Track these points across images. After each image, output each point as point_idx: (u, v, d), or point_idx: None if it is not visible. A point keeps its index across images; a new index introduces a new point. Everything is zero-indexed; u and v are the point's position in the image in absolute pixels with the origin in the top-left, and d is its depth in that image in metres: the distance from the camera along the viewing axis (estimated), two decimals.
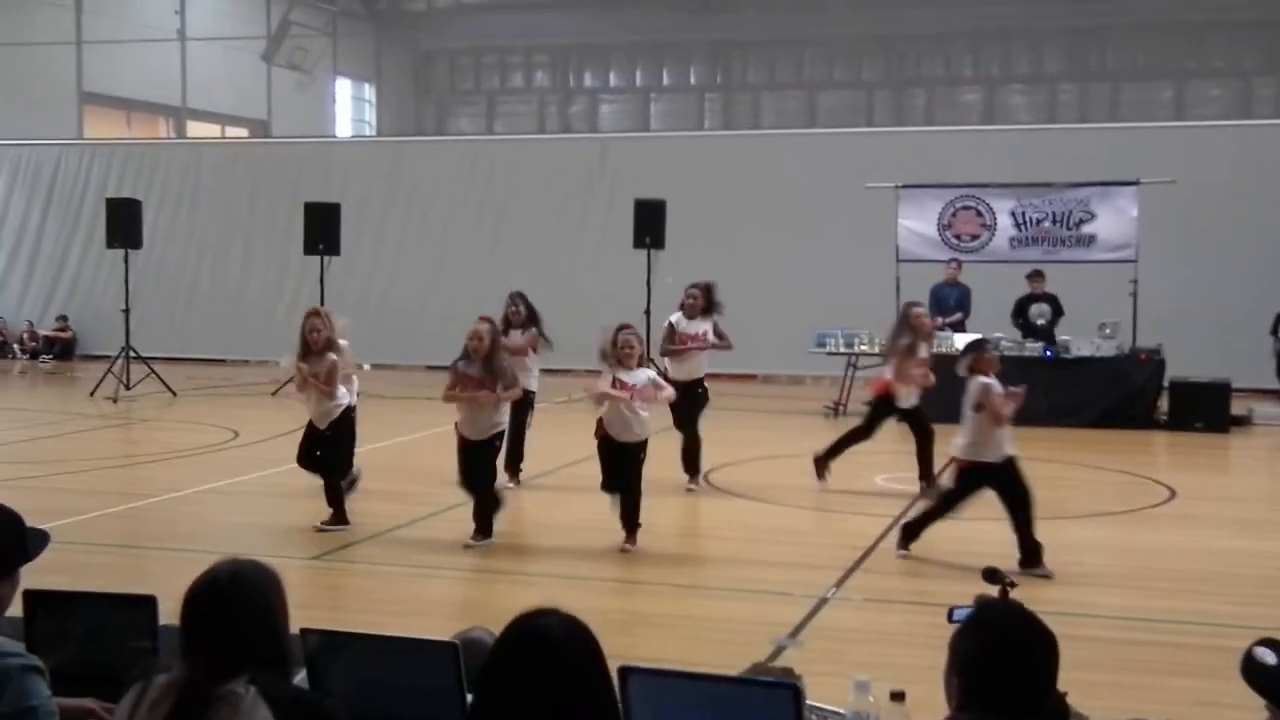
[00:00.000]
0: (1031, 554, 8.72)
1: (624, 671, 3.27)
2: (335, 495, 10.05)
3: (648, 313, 19.07)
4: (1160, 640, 7.22)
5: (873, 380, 12.70)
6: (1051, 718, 2.93)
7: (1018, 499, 8.74)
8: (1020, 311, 17.56)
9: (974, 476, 8.86)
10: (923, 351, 11.87)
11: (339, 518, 10.01)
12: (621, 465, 9.37)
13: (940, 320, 17.82)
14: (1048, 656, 2.84)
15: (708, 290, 12.50)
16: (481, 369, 9.55)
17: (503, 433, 9.86)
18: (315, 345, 10.01)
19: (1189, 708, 5.97)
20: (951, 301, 17.99)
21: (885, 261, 18.64)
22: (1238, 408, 16.75)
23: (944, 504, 9.20)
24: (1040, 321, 17.28)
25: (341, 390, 10.11)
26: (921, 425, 11.94)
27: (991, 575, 3.93)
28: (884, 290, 18.40)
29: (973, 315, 17.93)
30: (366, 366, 21.07)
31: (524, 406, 11.59)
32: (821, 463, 12.12)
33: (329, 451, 10.09)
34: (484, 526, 9.55)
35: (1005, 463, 8.80)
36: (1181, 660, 6.87)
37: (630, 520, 9.40)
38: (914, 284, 18.23)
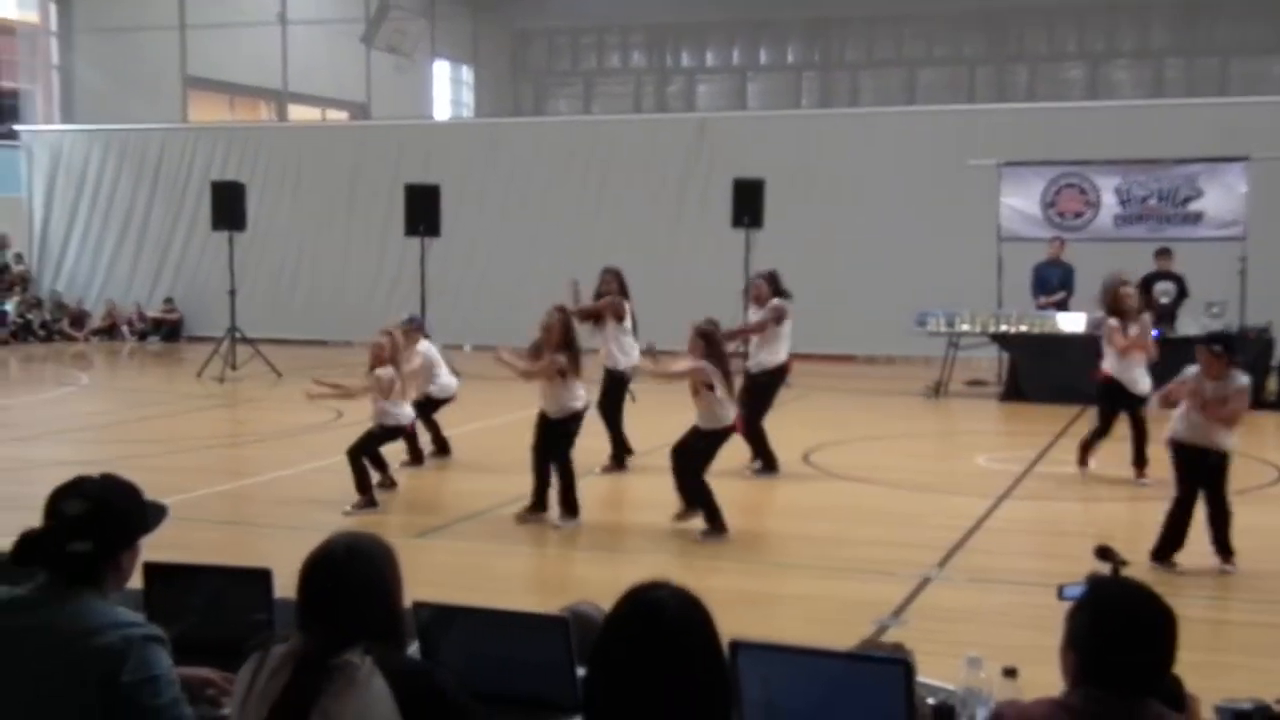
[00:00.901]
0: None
1: (735, 645, 3.28)
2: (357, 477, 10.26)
3: (746, 291, 19.05)
4: (1268, 621, 7.09)
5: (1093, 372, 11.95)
6: (1167, 697, 2.89)
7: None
8: (1145, 289, 17.11)
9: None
10: (1133, 330, 11.36)
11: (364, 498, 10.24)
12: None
13: (1043, 299, 17.60)
14: (1167, 636, 2.80)
15: (771, 278, 12.22)
16: (542, 350, 9.74)
17: (578, 414, 9.87)
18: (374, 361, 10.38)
19: None
20: (1054, 281, 17.70)
21: (987, 240, 18.43)
22: None
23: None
24: (1164, 300, 16.81)
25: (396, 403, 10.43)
26: (1135, 414, 11.29)
27: (1104, 553, 3.87)
28: (985, 269, 18.20)
29: (1076, 294, 17.63)
30: (467, 348, 21.26)
31: (616, 386, 11.65)
32: (1081, 462, 11.57)
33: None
34: (569, 507, 9.61)
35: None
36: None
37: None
38: (1016, 263, 18.03)
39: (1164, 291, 16.88)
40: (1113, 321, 11.38)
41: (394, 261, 23.34)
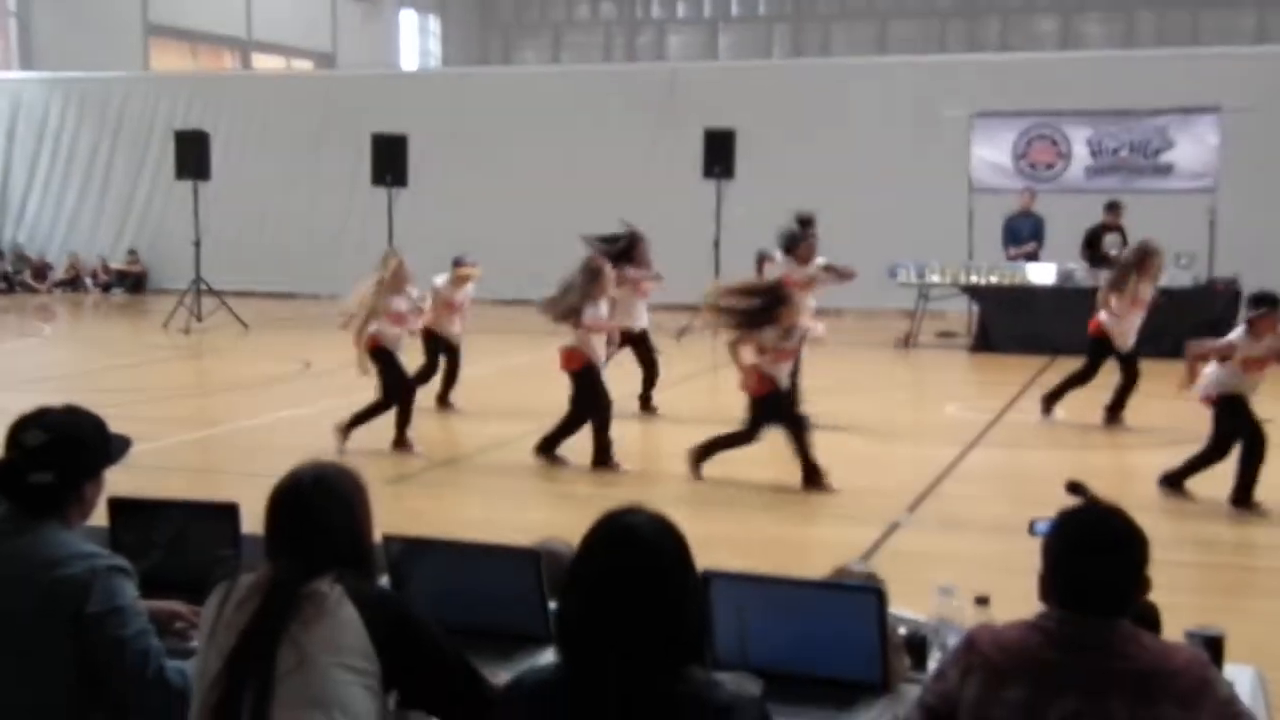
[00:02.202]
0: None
1: (707, 576, 3.28)
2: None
3: (717, 244, 19.04)
4: (1240, 563, 7.15)
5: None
6: (1141, 621, 2.91)
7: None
8: (1092, 243, 17.17)
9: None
10: (1145, 293, 11.39)
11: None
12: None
13: (1013, 251, 17.62)
14: (1134, 551, 2.81)
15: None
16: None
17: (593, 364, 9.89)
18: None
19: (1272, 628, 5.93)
20: (1025, 232, 17.73)
21: (958, 192, 18.43)
22: None
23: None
24: (1113, 252, 16.91)
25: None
26: (1131, 366, 11.45)
27: (1075, 488, 3.86)
28: (956, 221, 18.21)
29: (1047, 245, 17.68)
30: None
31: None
32: (1046, 405, 11.73)
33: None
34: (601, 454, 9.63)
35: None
36: (1259, 583, 6.80)
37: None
38: (987, 214, 18.04)
39: (1112, 244, 16.94)
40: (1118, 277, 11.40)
41: (361, 212, 23.16)
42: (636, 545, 2.65)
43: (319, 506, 3.11)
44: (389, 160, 19.63)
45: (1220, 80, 18.84)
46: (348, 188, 23.60)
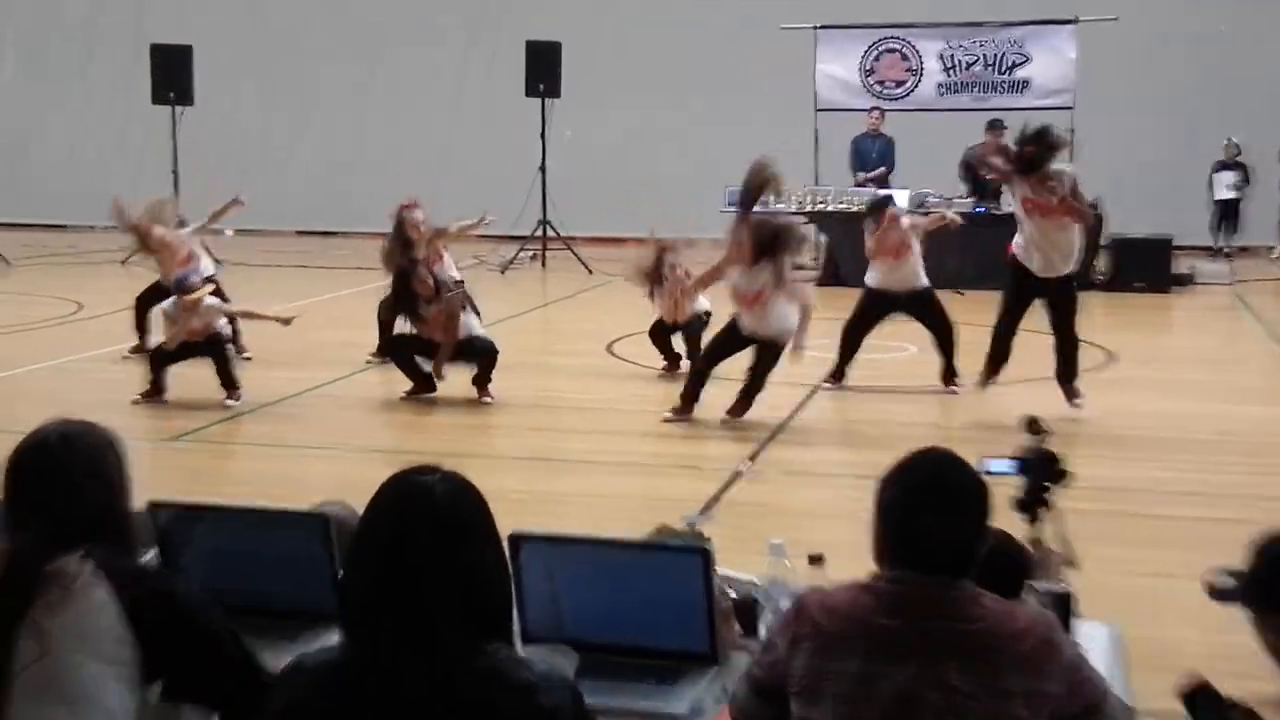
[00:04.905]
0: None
1: (515, 540, 3.23)
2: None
3: (543, 169, 18.92)
4: (1101, 509, 7.33)
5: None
6: (1008, 572, 2.93)
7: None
8: (971, 164, 17.39)
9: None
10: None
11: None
12: None
13: (861, 176, 17.83)
14: (976, 503, 2.82)
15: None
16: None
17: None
18: None
19: (1138, 578, 6.10)
20: (874, 154, 17.98)
21: (803, 111, 18.56)
22: (1180, 266, 17.02)
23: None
24: (991, 176, 17.10)
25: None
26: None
27: (1033, 425, 3.84)
28: (802, 142, 18.33)
29: (898, 169, 17.92)
30: (229, 233, 20.66)
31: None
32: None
33: None
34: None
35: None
36: (1123, 529, 6.99)
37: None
38: (834, 134, 18.23)
39: None
40: None
41: (140, 133, 22.45)
42: (428, 507, 2.57)
43: (67, 469, 2.96)
44: (172, 75, 19.07)
45: None
46: (124, 105, 22.86)
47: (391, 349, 10.77)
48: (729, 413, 9.46)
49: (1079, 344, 9.83)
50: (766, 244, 9.29)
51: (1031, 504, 3.64)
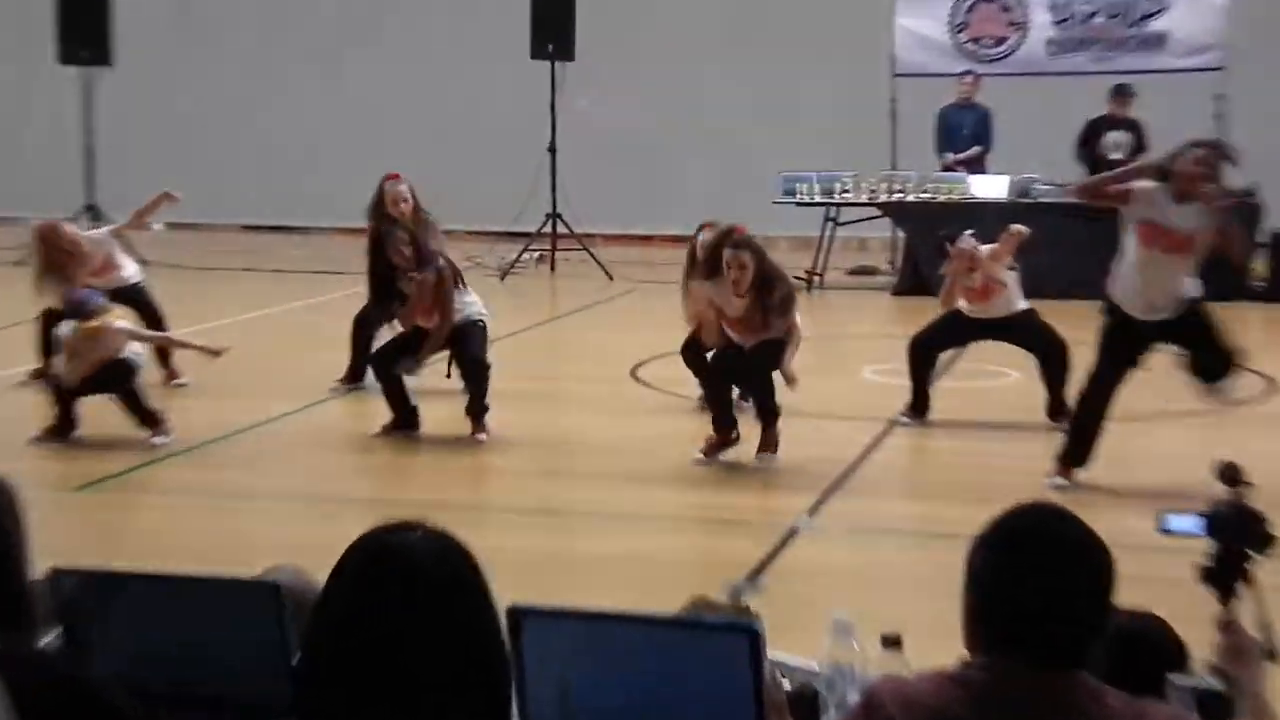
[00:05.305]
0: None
1: (516, 614, 3.22)
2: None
3: (552, 150, 18.97)
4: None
5: None
6: (1151, 654, 2.92)
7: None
8: (1089, 141, 17.31)
9: None
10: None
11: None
12: None
13: (950, 158, 17.81)
14: (1096, 571, 2.81)
15: None
16: None
17: None
18: None
19: None
20: (966, 130, 17.95)
21: (877, 77, 18.59)
22: None
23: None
24: (1117, 155, 17.05)
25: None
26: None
27: (1230, 472, 3.68)
28: (876, 117, 18.38)
29: (997, 148, 17.88)
30: (157, 227, 20.76)
31: None
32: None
33: None
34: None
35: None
36: None
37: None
38: (916, 106, 18.21)
39: (1117, 144, 17.11)
40: None
41: (46, 99, 22.56)
42: (407, 572, 2.60)
43: None
44: (85, 30, 19.19)
45: None
46: (27, 64, 22.97)
47: (376, 365, 10.71)
48: (760, 451, 9.53)
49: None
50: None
51: (1225, 575, 3.45)
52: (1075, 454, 8.98)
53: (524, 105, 19.44)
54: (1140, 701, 2.82)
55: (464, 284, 10.60)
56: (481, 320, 10.44)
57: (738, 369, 9.78)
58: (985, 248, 10.71)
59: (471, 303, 10.47)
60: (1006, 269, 10.71)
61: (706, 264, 9.69)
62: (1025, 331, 10.67)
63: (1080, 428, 8.99)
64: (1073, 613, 2.77)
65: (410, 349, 10.36)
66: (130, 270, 11.82)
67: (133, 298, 11.65)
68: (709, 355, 10.68)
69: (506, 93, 20.62)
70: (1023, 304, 10.74)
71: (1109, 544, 2.87)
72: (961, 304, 10.80)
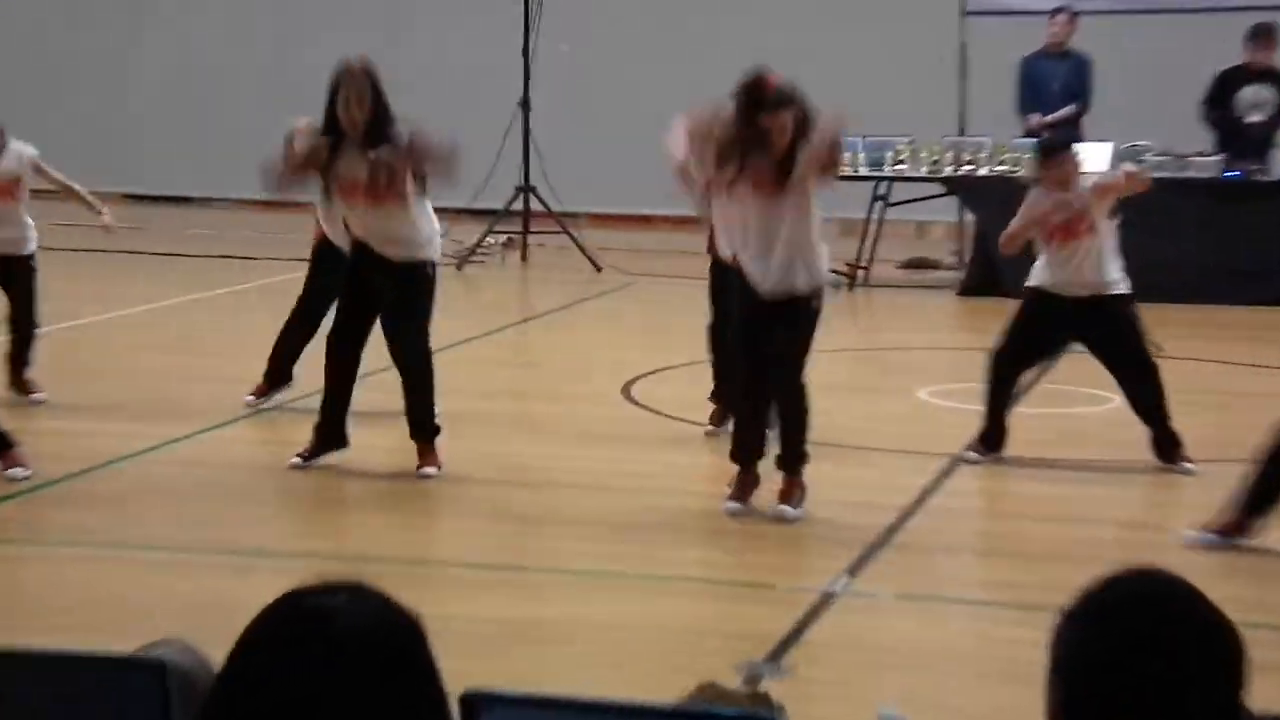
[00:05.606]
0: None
1: (471, 701, 3.24)
2: None
3: (525, 105, 19.01)
4: None
5: None
6: None
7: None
8: (1220, 98, 17.26)
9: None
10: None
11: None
12: None
13: (1036, 120, 17.80)
14: (1217, 658, 2.81)
15: None
16: None
17: None
18: None
19: None
20: (1057, 85, 17.96)
21: (943, 15, 18.62)
22: None
23: None
24: (1256, 117, 17.05)
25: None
26: None
27: None
28: (939, 67, 18.41)
29: (1096, 107, 17.89)
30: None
31: None
32: None
33: None
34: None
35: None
36: None
37: None
38: (993, 53, 18.22)
39: (1255, 103, 17.08)
40: None
41: None
42: (329, 645, 2.62)
43: None
44: None
45: None
46: None
47: (329, 352, 10.35)
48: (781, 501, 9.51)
49: None
50: None
51: None
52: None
53: (489, 50, 19.49)
54: None
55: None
56: (430, 264, 10.23)
57: (762, 339, 9.57)
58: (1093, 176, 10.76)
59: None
60: (1108, 218, 10.56)
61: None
62: (1113, 328, 10.55)
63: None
64: (1185, 710, 2.78)
65: (368, 308, 10.11)
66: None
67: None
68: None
69: (469, 36, 20.68)
70: (1121, 281, 10.57)
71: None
72: (1038, 271, 10.63)
